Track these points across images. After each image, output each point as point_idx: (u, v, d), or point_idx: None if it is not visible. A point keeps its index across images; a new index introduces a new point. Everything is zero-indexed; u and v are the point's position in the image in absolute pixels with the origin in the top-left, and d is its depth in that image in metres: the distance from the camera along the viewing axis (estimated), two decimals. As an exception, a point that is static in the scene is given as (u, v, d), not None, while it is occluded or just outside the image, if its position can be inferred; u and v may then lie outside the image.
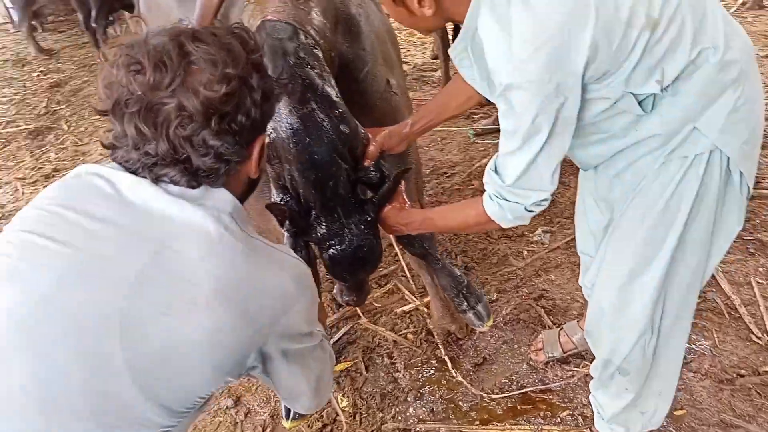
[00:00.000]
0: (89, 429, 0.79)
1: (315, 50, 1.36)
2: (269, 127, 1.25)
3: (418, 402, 1.99)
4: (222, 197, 0.91)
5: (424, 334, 2.23)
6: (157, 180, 0.86)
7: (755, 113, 1.29)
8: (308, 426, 1.94)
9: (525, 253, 2.63)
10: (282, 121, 1.30)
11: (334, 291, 1.83)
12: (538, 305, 2.33)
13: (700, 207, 1.33)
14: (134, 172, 0.87)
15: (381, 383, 2.08)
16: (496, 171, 1.28)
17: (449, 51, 1.34)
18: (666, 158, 1.30)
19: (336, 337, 2.28)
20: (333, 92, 1.35)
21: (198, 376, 0.85)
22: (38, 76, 6.41)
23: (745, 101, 1.25)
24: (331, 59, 1.45)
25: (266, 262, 0.92)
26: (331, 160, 1.34)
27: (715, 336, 2.11)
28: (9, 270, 0.81)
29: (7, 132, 4.82)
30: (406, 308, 2.38)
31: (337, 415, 1.97)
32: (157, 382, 0.82)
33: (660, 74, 1.18)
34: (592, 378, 1.69)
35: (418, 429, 1.90)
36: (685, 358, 2.01)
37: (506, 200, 1.28)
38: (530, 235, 2.72)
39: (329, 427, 1.95)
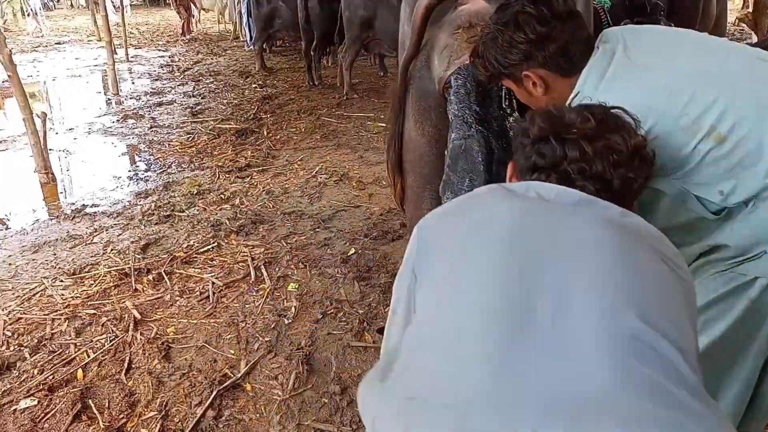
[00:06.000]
0: None
1: None
2: None
3: None
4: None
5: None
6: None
7: None
8: None
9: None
10: None
11: None
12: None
13: (751, 334, 1.26)
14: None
15: None
16: None
17: None
18: (727, 266, 1.26)
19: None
20: None
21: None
22: (255, 87, 7.41)
23: None
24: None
25: None
26: None
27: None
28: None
29: (220, 127, 5.61)
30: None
31: None
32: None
33: (729, 187, 1.18)
34: None
35: None
36: None
37: None
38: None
39: None
